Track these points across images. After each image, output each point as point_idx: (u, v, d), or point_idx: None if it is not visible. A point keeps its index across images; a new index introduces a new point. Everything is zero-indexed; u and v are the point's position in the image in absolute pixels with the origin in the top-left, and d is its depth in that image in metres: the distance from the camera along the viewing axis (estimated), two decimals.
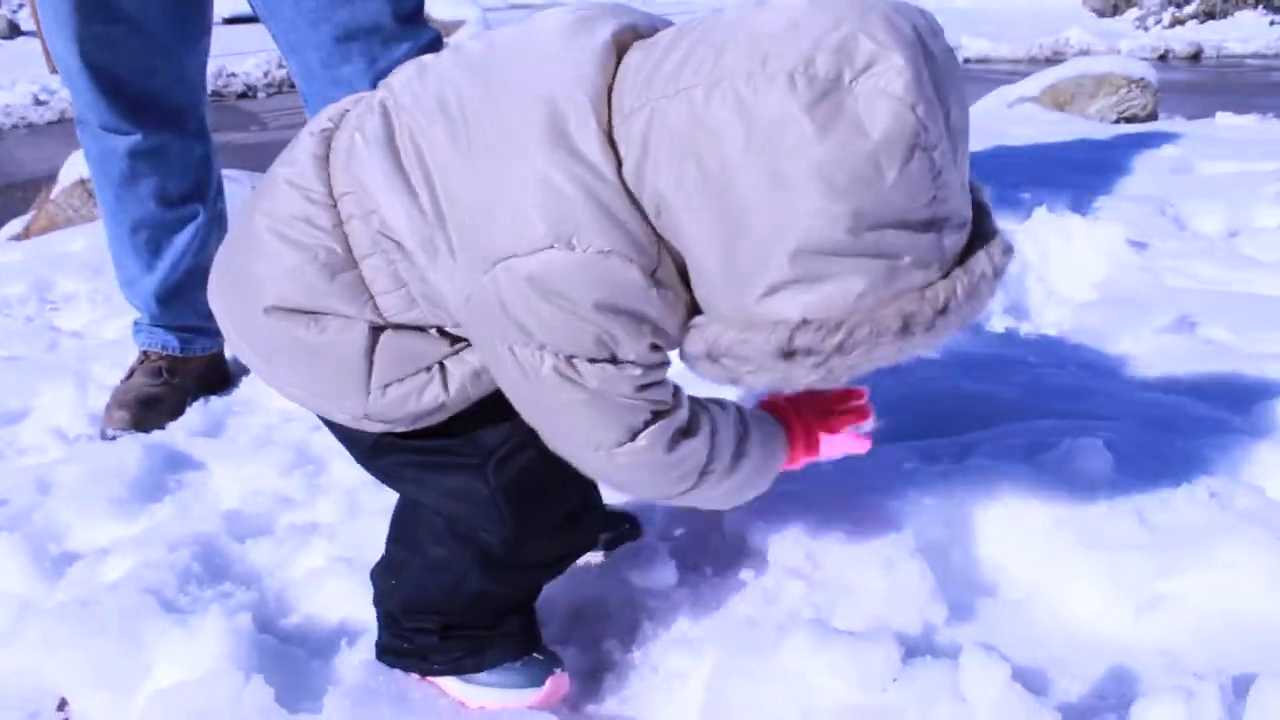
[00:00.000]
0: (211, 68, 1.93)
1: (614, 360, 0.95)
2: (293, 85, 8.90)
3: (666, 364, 1.00)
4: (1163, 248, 2.70)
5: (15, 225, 4.06)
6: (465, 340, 1.04)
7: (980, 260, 0.92)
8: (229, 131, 6.85)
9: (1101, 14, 14.34)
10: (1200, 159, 3.85)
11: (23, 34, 13.38)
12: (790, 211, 0.84)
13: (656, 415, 1.00)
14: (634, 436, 0.99)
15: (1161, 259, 2.60)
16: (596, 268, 0.90)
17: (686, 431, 1.03)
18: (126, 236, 1.91)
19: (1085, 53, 10.87)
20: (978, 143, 4.15)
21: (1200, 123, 4.88)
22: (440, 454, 1.11)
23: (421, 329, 1.05)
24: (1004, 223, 2.85)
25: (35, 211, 3.99)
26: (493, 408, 1.06)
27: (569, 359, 0.94)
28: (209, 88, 1.99)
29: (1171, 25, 13.41)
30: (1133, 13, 14.08)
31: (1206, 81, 9.44)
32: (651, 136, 0.89)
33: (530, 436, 1.04)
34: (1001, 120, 4.50)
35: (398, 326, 1.05)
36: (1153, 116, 5.03)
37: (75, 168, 3.87)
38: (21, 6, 15.50)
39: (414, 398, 1.06)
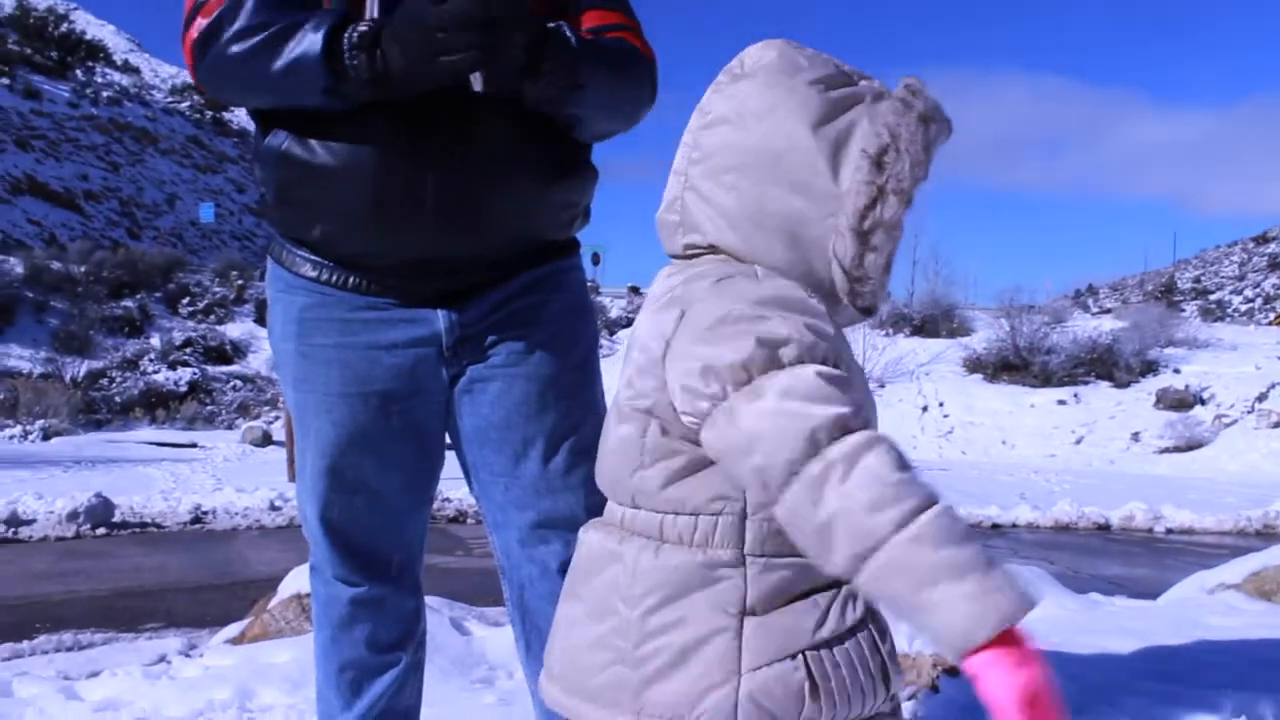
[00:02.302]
0: None
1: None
2: None
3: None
4: None
5: (233, 629, 4.40)
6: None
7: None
8: (434, 554, 7.29)
9: None
10: None
11: (273, 443, 14.91)
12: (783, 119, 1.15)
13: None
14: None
15: None
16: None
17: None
18: (334, 674, 2.07)
19: None
20: (1174, 634, 3.98)
21: None
22: None
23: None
24: None
25: (252, 619, 4.32)
26: None
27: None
28: None
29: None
30: None
31: None
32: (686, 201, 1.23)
33: None
34: (1200, 609, 4.34)
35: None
36: None
37: (294, 582, 4.23)
38: (276, 418, 17.41)
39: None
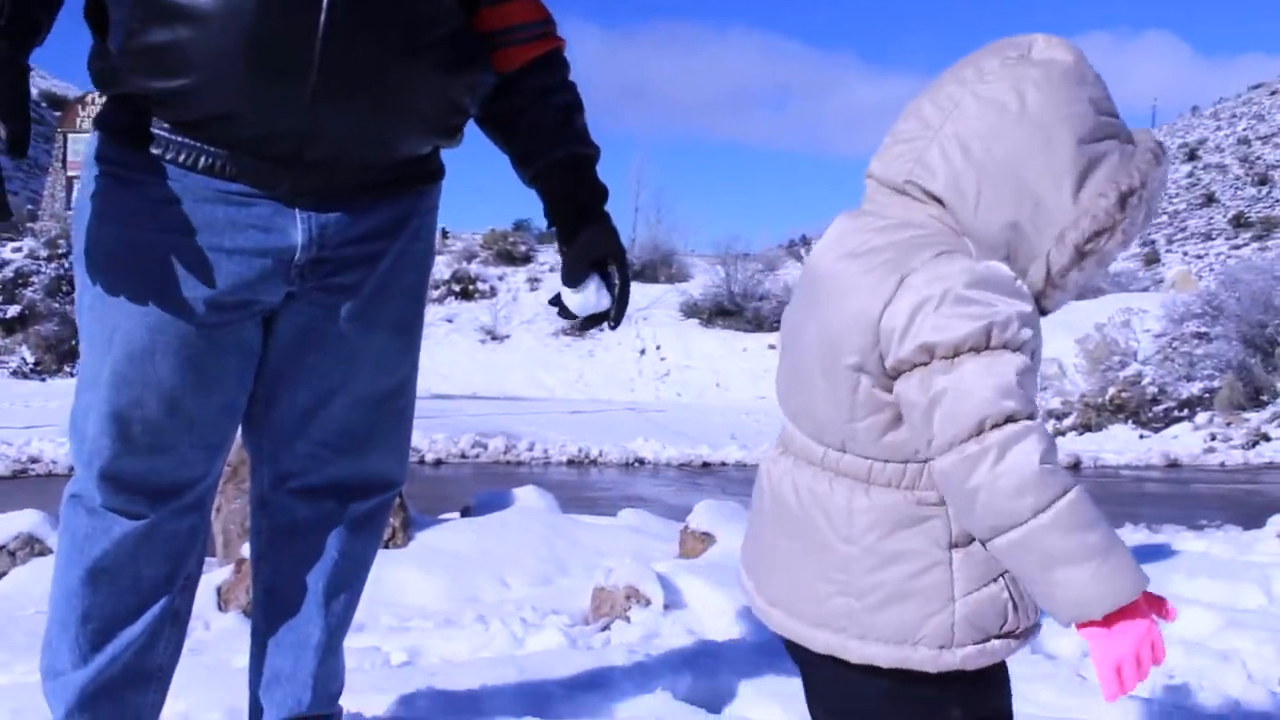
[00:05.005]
0: None
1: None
2: None
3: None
4: (1016, 671, 2.73)
5: None
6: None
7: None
8: None
9: None
10: None
11: None
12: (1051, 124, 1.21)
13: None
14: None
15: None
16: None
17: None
18: (75, 623, 1.71)
19: None
20: None
21: None
22: None
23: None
24: None
25: None
26: None
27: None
28: None
29: (1054, 436, 14.27)
30: None
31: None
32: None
33: None
34: None
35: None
36: None
37: None
38: None
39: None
